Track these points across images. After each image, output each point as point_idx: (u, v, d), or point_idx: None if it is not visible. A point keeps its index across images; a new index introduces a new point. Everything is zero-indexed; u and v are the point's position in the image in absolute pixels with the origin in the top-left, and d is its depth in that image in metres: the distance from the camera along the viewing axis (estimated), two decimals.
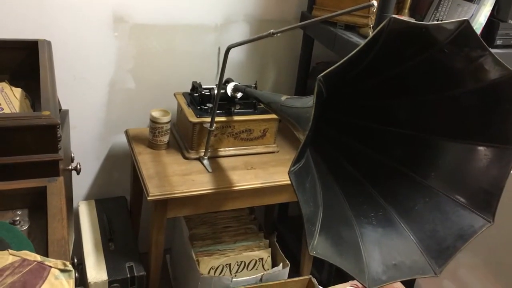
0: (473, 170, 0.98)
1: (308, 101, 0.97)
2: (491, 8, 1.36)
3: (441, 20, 1.40)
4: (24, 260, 0.72)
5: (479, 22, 1.37)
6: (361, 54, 0.81)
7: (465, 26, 0.82)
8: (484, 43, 0.85)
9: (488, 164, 0.96)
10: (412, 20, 0.85)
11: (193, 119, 1.46)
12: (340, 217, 0.96)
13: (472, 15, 1.36)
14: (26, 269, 0.71)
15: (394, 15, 0.82)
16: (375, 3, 0.93)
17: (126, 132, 1.62)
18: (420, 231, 0.97)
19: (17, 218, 0.87)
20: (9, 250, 0.74)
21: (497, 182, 0.95)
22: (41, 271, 0.71)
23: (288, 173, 0.78)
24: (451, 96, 0.96)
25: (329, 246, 0.85)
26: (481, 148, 0.97)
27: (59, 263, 0.72)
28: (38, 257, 0.73)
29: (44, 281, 0.70)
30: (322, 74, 0.76)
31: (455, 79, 0.93)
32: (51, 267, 0.72)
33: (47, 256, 0.75)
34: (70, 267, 0.72)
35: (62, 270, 0.72)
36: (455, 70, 0.92)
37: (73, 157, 1.35)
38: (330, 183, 1.03)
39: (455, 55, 0.88)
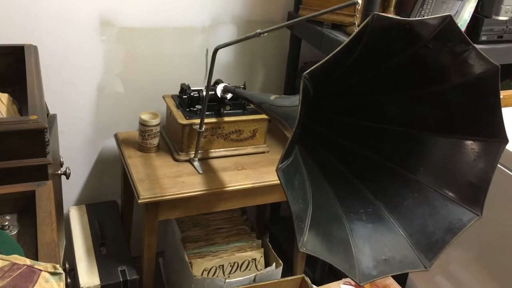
0: (461, 164, 0.99)
1: (296, 100, 0.97)
2: (475, 4, 1.38)
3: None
4: (13, 264, 0.72)
5: (464, 18, 1.38)
6: (346, 51, 0.82)
7: (448, 21, 0.83)
8: (467, 38, 0.86)
9: (475, 158, 0.97)
10: (396, 17, 0.86)
11: (183, 121, 1.46)
12: (330, 213, 0.97)
13: (457, 11, 1.38)
14: (16, 273, 0.70)
15: (378, 13, 0.83)
16: (360, 1, 0.94)
17: (116, 136, 1.62)
18: (410, 226, 0.98)
19: (6, 223, 0.87)
20: None
21: (484, 175, 0.96)
22: (31, 275, 0.70)
23: (276, 170, 0.78)
24: (437, 91, 0.97)
25: (319, 243, 0.86)
26: (468, 142, 0.98)
27: (49, 266, 0.72)
28: (28, 261, 0.73)
29: (34, 284, 0.69)
30: (307, 71, 0.77)
31: (441, 74, 0.94)
32: (41, 270, 0.71)
33: (37, 260, 0.75)
34: (60, 270, 0.72)
35: (52, 273, 0.71)
36: (440, 65, 0.92)
37: (62, 162, 1.34)
38: (320, 180, 1.04)
39: (440, 51, 0.89)
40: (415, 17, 1.42)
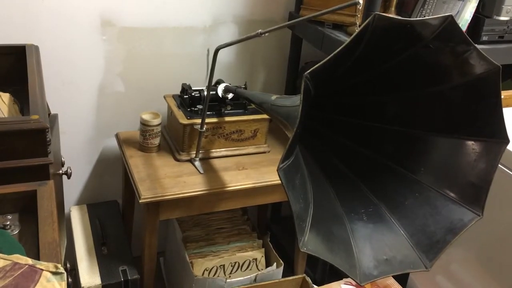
0: (462, 164, 0.99)
1: (297, 100, 0.97)
2: (476, 4, 1.38)
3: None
4: (15, 263, 0.72)
5: (465, 18, 1.38)
6: (347, 51, 0.82)
7: (449, 21, 0.83)
8: (469, 38, 0.86)
9: (476, 158, 0.97)
10: (398, 17, 0.86)
11: (184, 120, 1.46)
12: (331, 213, 0.97)
13: (458, 11, 1.38)
14: (18, 273, 0.70)
15: (379, 13, 0.83)
16: (361, 1, 0.94)
17: (117, 136, 1.62)
18: (411, 226, 0.98)
19: (8, 223, 0.87)
20: (0, 254, 0.73)
21: (485, 175, 0.96)
22: (32, 274, 0.71)
23: (277, 170, 0.78)
24: (438, 91, 0.97)
25: (320, 242, 0.86)
26: (469, 142, 0.98)
27: (50, 266, 0.72)
28: (30, 260, 0.73)
29: (36, 284, 0.69)
30: (308, 71, 0.77)
31: (442, 74, 0.94)
32: (42, 270, 0.71)
33: (38, 259, 0.75)
34: (61, 269, 0.72)
35: (53, 273, 0.71)
36: (441, 65, 0.93)
37: (64, 161, 1.35)
38: (321, 180, 1.04)
39: (441, 51, 0.89)
40: (416, 17, 1.42)
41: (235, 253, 1.62)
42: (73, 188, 1.74)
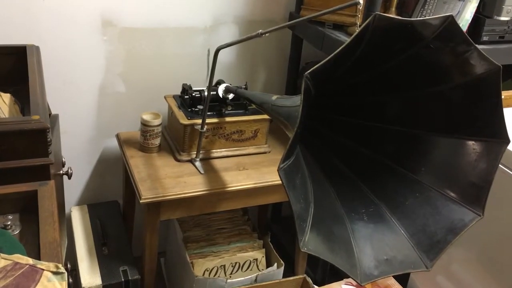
0: (463, 164, 0.99)
1: (298, 100, 0.97)
2: (476, 4, 1.38)
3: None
4: (16, 263, 0.72)
5: (465, 19, 1.38)
6: (348, 51, 0.82)
7: (450, 21, 0.83)
8: (469, 38, 0.86)
9: (476, 158, 0.97)
10: (398, 17, 0.86)
11: (184, 121, 1.46)
12: (331, 213, 0.97)
13: (458, 12, 1.38)
14: (19, 273, 0.71)
15: (380, 13, 0.83)
16: (361, 1, 0.94)
17: (117, 136, 1.62)
18: (411, 226, 0.98)
19: (9, 223, 0.87)
20: (1, 254, 0.74)
21: (486, 175, 0.96)
22: (33, 274, 0.71)
23: (278, 170, 0.78)
24: (439, 91, 0.97)
25: (321, 242, 0.86)
26: (469, 142, 0.98)
27: (51, 266, 0.72)
28: (30, 260, 0.73)
29: (36, 283, 0.70)
30: (309, 71, 0.77)
31: (442, 74, 0.94)
32: (43, 269, 0.72)
33: (39, 259, 0.75)
34: (62, 269, 0.72)
35: (54, 273, 0.72)
36: (442, 65, 0.93)
37: (64, 162, 1.35)
38: (321, 180, 1.04)
39: (441, 51, 0.89)
40: (417, 17, 1.42)
41: (235, 253, 1.62)
42: (73, 188, 1.74)
